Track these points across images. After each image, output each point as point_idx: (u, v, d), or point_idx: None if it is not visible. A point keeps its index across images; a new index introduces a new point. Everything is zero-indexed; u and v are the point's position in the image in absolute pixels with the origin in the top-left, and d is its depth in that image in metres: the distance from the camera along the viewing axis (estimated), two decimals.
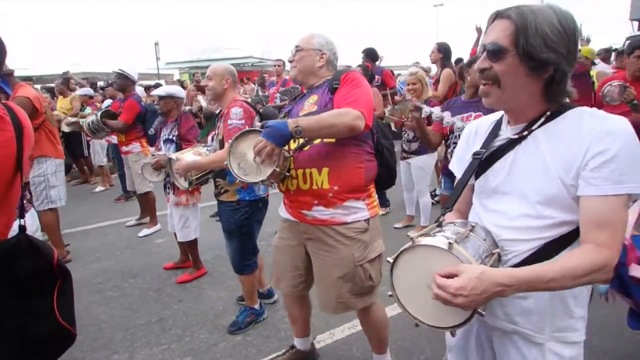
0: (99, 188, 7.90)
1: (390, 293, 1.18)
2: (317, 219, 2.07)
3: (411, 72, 4.47)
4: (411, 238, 1.11)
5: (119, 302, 3.66)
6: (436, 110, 2.98)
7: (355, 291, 2.12)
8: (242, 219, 2.93)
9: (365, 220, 2.09)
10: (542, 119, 1.17)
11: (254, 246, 3.08)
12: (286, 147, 2.00)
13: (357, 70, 5.55)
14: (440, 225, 1.23)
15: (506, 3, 1.21)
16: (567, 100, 1.20)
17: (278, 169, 1.92)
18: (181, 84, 12.88)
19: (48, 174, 4.32)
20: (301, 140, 2.01)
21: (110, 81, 8.20)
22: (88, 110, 7.49)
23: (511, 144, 1.22)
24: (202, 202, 4.04)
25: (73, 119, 7.26)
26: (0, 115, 1.31)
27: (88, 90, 8.69)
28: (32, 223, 2.32)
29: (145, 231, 5.33)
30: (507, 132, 1.26)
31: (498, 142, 1.28)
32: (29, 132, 1.40)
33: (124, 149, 5.41)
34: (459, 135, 2.87)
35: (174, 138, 3.77)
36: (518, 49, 1.10)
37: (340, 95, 1.99)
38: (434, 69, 6.81)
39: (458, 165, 1.43)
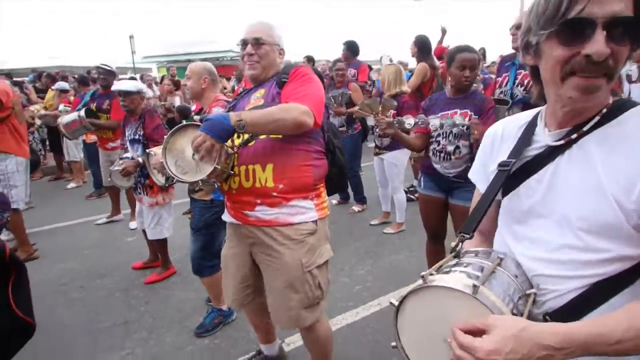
0: (72, 184, 7.67)
1: (394, 344, 0.95)
2: (260, 219, 1.91)
3: (387, 64, 4.44)
4: (422, 276, 0.88)
5: (84, 303, 3.53)
6: (408, 120, 2.84)
7: (306, 303, 1.95)
8: (212, 218, 2.85)
9: (313, 221, 1.94)
10: (597, 118, 0.89)
11: (218, 248, 2.98)
12: (229, 144, 1.87)
13: (339, 64, 5.49)
14: (457, 256, 0.98)
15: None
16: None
17: (219, 167, 1.75)
18: (161, 79, 12.63)
19: (9, 172, 4.15)
20: (246, 136, 1.87)
21: (77, 76, 7.97)
22: (62, 107, 7.22)
23: (551, 153, 0.95)
24: (175, 199, 3.92)
25: (44, 112, 7.05)
26: None
27: (63, 85, 8.43)
28: None
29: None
30: (545, 138, 0.98)
31: (533, 151, 1.00)
32: None
33: (111, 144, 5.22)
34: (442, 133, 2.78)
35: (140, 138, 3.63)
36: None
37: (289, 89, 1.87)
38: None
39: (480, 177, 1.16)
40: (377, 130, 4.51)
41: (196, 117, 2.20)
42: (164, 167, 2.65)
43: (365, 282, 3.59)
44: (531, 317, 0.89)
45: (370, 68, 7.32)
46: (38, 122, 7.80)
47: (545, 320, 0.92)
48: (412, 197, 5.41)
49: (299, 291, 1.92)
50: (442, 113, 2.80)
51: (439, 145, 2.81)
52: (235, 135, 1.84)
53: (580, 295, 0.90)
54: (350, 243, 4.48)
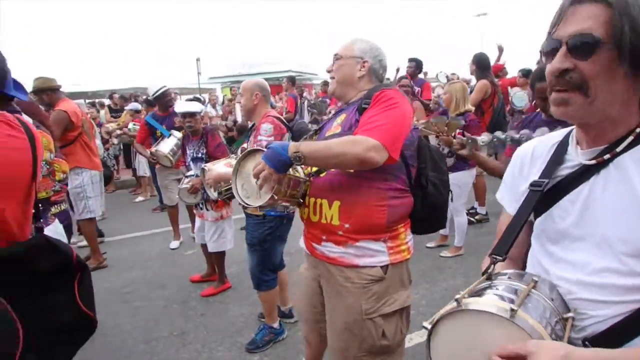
0: (140, 198, 8.14)
1: None
2: (325, 255, 1.77)
3: (451, 82, 4.34)
4: (456, 299, 0.84)
5: (145, 312, 3.70)
6: (482, 137, 2.57)
7: (365, 349, 1.73)
8: (265, 234, 2.88)
9: (382, 266, 1.71)
10: (631, 138, 0.86)
11: (274, 263, 3.01)
12: (305, 171, 1.79)
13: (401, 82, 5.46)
14: (490, 278, 0.94)
15: (553, 9, 0.94)
16: None
17: (277, 196, 1.69)
18: (223, 100, 13.27)
19: (85, 185, 4.50)
20: None
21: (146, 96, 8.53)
22: (131, 126, 7.74)
23: (585, 173, 0.91)
24: (234, 214, 4.03)
25: (119, 132, 7.62)
26: (14, 123, 1.38)
27: (135, 106, 9.07)
28: (54, 233, 2.39)
29: (173, 244, 5.41)
30: (577, 157, 0.94)
31: (565, 170, 0.96)
32: (40, 141, 1.50)
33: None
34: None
35: (203, 156, 3.80)
36: (619, 41, 0.80)
37: (366, 117, 1.66)
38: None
39: (508, 199, 1.11)
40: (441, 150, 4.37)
41: (263, 143, 2.21)
42: (217, 182, 2.68)
43: (419, 307, 3.46)
44: (569, 342, 0.84)
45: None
46: (115, 140, 8.43)
47: (585, 346, 0.87)
48: (472, 219, 5.18)
49: (357, 336, 1.73)
50: (539, 131, 2.45)
51: (505, 173, 2.58)
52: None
53: (622, 322, 0.85)
54: None
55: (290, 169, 1.67)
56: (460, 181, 4.40)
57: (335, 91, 1.92)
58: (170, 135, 4.68)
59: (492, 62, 5.74)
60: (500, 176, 2.68)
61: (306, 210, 1.81)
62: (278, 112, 7.12)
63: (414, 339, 3.00)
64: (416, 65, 6.76)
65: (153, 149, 4.67)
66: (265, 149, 1.70)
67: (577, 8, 0.85)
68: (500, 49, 6.40)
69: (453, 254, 4.50)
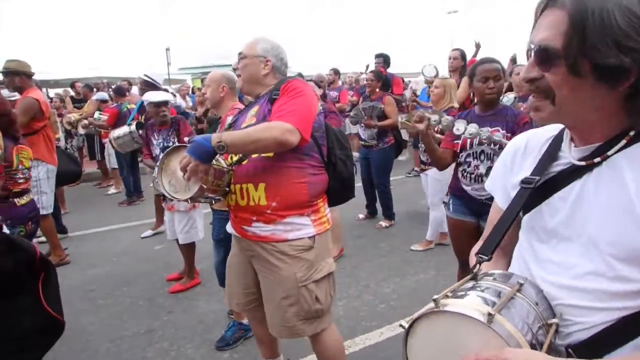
0: (112, 190, 7.86)
1: None
2: (257, 235, 1.95)
3: (442, 76, 4.30)
4: (434, 300, 0.82)
5: (109, 311, 3.57)
6: (450, 119, 2.65)
7: (302, 315, 1.96)
8: None
9: (309, 237, 1.95)
10: (623, 142, 0.82)
11: None
12: (226, 162, 1.94)
13: (368, 74, 5.46)
14: (475, 278, 0.91)
15: (528, 7, 0.91)
16: None
17: (205, 186, 1.82)
18: (192, 90, 12.96)
19: (41, 179, 4.30)
20: (240, 154, 1.92)
21: (114, 86, 8.22)
22: (97, 115, 7.46)
23: (577, 170, 0.88)
24: (203, 208, 3.93)
25: (89, 121, 7.32)
26: None
27: (102, 95, 8.72)
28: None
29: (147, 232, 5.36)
30: (570, 155, 0.90)
31: (558, 167, 0.93)
32: None
33: None
34: (472, 154, 2.62)
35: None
36: (570, 54, 0.76)
37: (277, 106, 1.87)
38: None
39: (499, 192, 1.08)
40: (422, 145, 4.37)
41: (186, 138, 2.32)
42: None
43: (390, 301, 3.48)
44: (552, 348, 0.82)
45: (403, 80, 7.26)
46: (82, 130, 8.09)
47: (568, 353, 0.84)
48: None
49: (294, 304, 1.95)
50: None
51: (469, 166, 2.65)
52: (234, 154, 1.90)
53: (608, 329, 0.81)
54: (375, 259, 4.38)
55: (214, 160, 1.82)
56: (442, 176, 4.36)
57: (243, 88, 2.11)
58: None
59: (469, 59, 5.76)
60: (440, 163, 2.77)
61: (233, 196, 1.97)
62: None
63: (385, 333, 3.02)
64: (383, 61, 6.88)
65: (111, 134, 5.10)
66: (187, 144, 1.80)
67: (546, 12, 0.81)
68: (478, 46, 6.44)
69: (423, 247, 4.54)
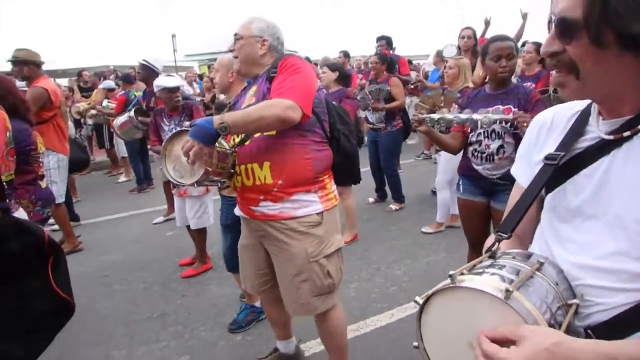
0: (123, 178, 7.92)
1: (416, 344, 0.88)
2: (265, 214, 1.96)
3: (455, 56, 4.22)
4: (450, 275, 0.80)
5: (123, 295, 3.63)
6: (448, 119, 2.62)
7: (315, 291, 1.99)
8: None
9: (317, 213, 1.96)
10: None
11: None
12: (231, 143, 1.94)
13: (372, 58, 5.39)
14: (493, 256, 0.89)
15: None
16: None
17: (210, 169, 1.82)
18: (201, 76, 12.95)
19: (50, 168, 4.33)
20: (242, 135, 1.91)
21: (121, 74, 8.22)
22: (105, 103, 7.49)
23: (605, 146, 0.84)
24: (214, 194, 3.94)
25: (97, 110, 7.35)
26: None
27: (109, 84, 8.74)
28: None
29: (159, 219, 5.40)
30: (598, 129, 0.86)
31: (585, 143, 0.88)
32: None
33: None
34: (487, 132, 2.54)
35: None
36: (591, 23, 0.72)
37: (276, 83, 1.85)
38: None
39: (522, 170, 1.05)
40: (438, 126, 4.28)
41: (186, 123, 2.31)
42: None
43: (401, 283, 3.49)
44: (571, 329, 0.80)
45: (410, 62, 7.17)
46: (90, 120, 8.13)
47: (587, 335, 0.82)
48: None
49: (306, 280, 1.97)
50: (482, 110, 2.61)
51: (480, 145, 2.61)
52: (236, 135, 1.89)
53: (629, 311, 0.78)
54: (386, 242, 4.38)
55: (217, 143, 1.81)
56: (451, 156, 4.29)
57: (240, 69, 2.08)
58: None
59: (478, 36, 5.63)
60: (451, 150, 2.74)
61: (239, 178, 1.97)
62: None
63: (395, 314, 3.03)
64: (386, 43, 6.81)
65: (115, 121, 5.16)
66: (189, 129, 1.78)
67: None
68: (487, 23, 6.25)
69: (434, 230, 4.52)
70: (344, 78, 4.64)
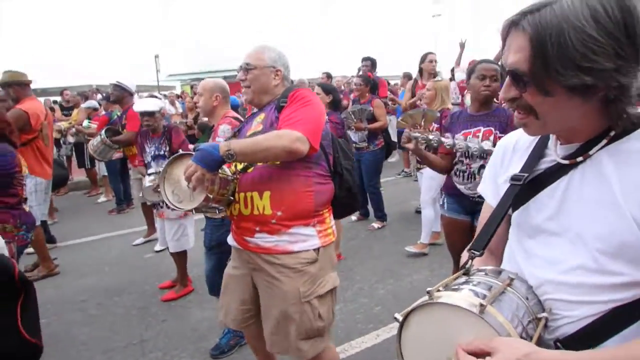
0: (102, 198, 7.76)
1: None
2: (260, 246, 1.88)
3: (435, 79, 4.34)
4: (428, 292, 0.85)
5: (101, 321, 3.52)
6: (448, 140, 2.63)
7: (303, 334, 1.87)
8: (223, 237, 2.77)
9: (314, 249, 1.88)
10: (604, 141, 0.85)
11: None
12: (230, 170, 1.89)
13: (357, 79, 5.47)
14: (467, 273, 0.94)
15: (508, 11, 0.90)
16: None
17: (212, 196, 1.77)
18: (181, 94, 12.90)
19: (27, 192, 4.21)
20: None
21: (105, 94, 8.17)
22: (86, 123, 7.36)
23: (563, 167, 0.91)
24: (194, 215, 3.89)
25: (80, 128, 7.23)
26: None
27: (93, 103, 8.62)
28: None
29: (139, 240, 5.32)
30: (556, 153, 0.93)
31: (544, 165, 0.95)
32: None
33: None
34: (468, 153, 2.60)
35: (166, 154, 3.65)
36: (536, 78, 0.79)
37: (285, 114, 1.83)
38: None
39: (489, 189, 1.11)
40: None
41: (190, 146, 2.22)
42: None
43: (385, 303, 3.48)
44: (541, 342, 0.84)
45: (389, 83, 7.29)
46: (71, 139, 8.00)
47: (557, 347, 0.87)
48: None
49: (295, 321, 1.86)
50: (465, 131, 2.66)
51: (462, 164, 2.68)
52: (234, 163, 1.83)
53: (594, 323, 0.84)
54: (369, 261, 4.37)
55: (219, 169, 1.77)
56: (435, 174, 4.06)
57: (253, 99, 2.04)
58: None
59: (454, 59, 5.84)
60: (440, 170, 2.80)
61: (236, 205, 1.91)
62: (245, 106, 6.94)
63: (381, 335, 3.01)
64: (371, 64, 6.92)
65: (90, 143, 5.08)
66: (193, 152, 1.74)
67: (512, 35, 0.83)
68: (462, 46, 6.48)
69: (418, 250, 4.47)
70: (336, 103, 4.61)
